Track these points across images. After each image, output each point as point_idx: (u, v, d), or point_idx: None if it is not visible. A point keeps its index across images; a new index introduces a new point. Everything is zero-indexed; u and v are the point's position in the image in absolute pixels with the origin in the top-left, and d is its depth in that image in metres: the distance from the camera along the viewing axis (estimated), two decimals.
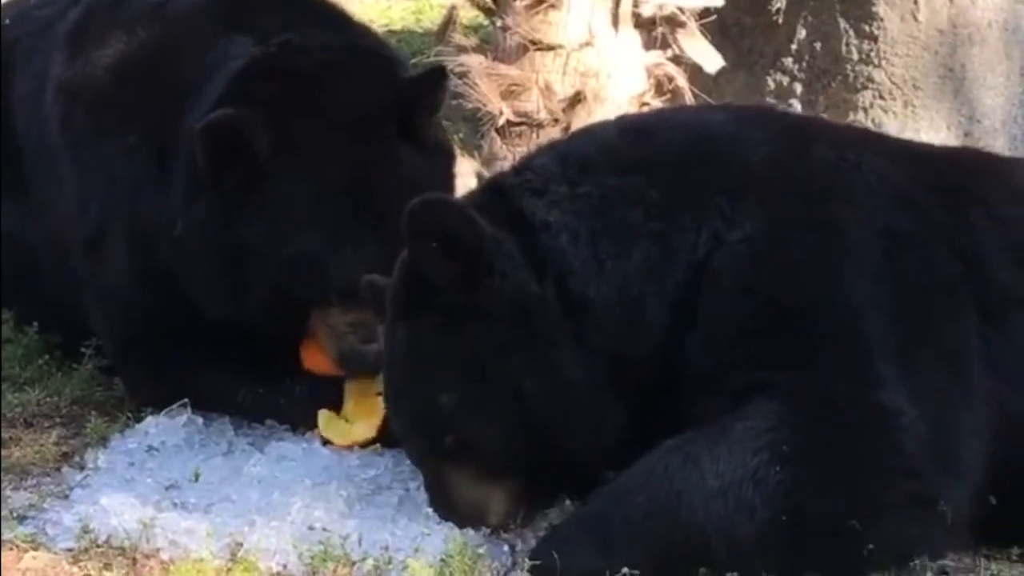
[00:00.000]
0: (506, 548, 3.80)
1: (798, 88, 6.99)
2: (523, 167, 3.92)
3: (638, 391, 3.72)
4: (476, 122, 6.79)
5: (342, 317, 4.28)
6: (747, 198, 3.72)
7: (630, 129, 3.98)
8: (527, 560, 3.63)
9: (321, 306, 4.28)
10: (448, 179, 4.47)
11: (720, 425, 3.54)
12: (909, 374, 3.62)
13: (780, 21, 6.95)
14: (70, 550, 3.80)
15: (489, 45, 6.87)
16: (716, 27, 6.85)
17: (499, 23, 6.72)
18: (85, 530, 3.83)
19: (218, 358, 4.44)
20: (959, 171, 4.07)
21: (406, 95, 4.34)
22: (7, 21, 5.20)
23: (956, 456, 3.64)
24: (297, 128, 4.25)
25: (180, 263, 4.37)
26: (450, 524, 3.83)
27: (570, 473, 3.79)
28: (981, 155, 4.66)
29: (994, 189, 3.98)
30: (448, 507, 3.83)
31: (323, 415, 4.34)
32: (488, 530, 3.83)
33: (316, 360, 4.40)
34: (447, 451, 3.79)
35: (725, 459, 3.49)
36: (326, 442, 4.30)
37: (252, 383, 4.42)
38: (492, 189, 3.92)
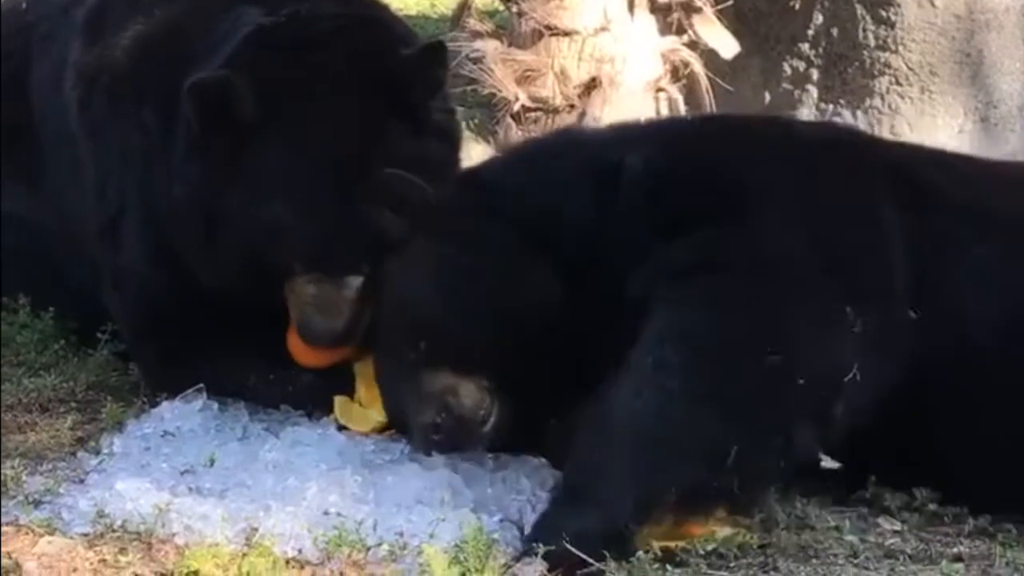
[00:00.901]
0: (520, 535, 3.80)
1: (814, 74, 6.98)
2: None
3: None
4: (492, 108, 6.80)
5: (308, 289, 4.25)
6: None
7: None
8: (534, 544, 3.64)
9: (288, 276, 4.25)
10: (444, 162, 4.36)
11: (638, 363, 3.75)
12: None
13: (797, 7, 6.94)
14: (85, 535, 3.79)
15: (504, 30, 6.87)
16: (732, 12, 6.84)
17: (514, 8, 6.72)
18: (100, 515, 3.83)
19: (232, 344, 4.44)
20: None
21: (402, 72, 4.27)
22: (24, 5, 5.20)
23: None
24: (285, 96, 4.22)
25: (175, 227, 4.37)
26: (465, 510, 3.84)
27: (534, 369, 3.95)
28: None
29: None
30: (421, 407, 3.97)
31: (339, 401, 4.34)
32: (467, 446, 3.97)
33: (303, 353, 4.39)
34: (423, 356, 3.97)
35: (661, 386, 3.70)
36: (342, 428, 4.30)
37: (263, 369, 4.42)
38: None
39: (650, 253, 3.93)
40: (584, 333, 3.95)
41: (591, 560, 3.55)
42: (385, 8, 4.70)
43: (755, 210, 3.98)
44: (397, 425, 4.21)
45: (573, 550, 3.55)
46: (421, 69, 4.28)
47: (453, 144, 4.43)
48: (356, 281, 4.24)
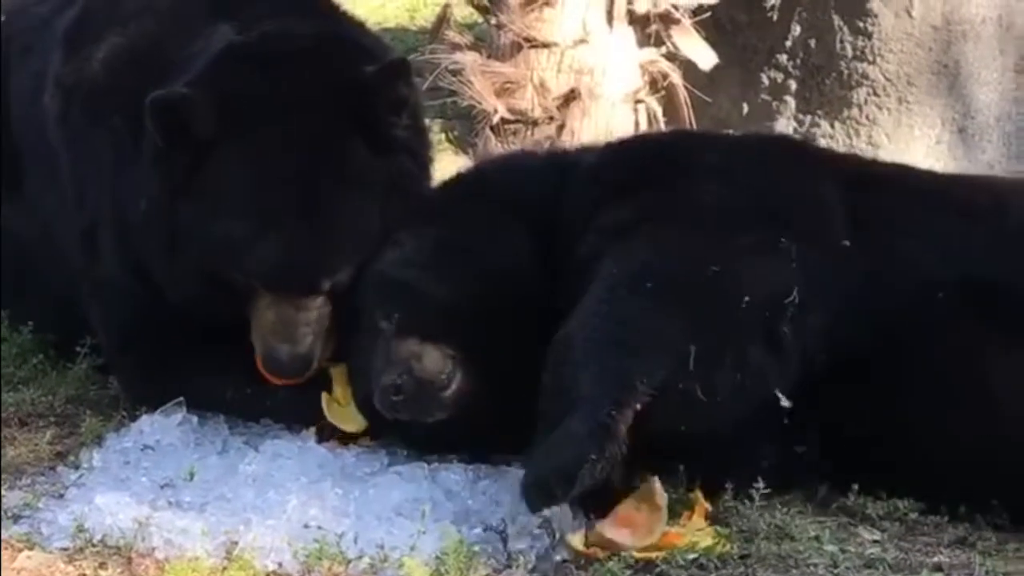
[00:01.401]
0: (501, 546, 3.80)
1: (792, 85, 7.00)
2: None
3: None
4: (471, 120, 6.80)
5: (268, 315, 4.25)
6: None
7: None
8: (525, 486, 3.72)
9: (248, 295, 4.25)
10: (408, 177, 4.37)
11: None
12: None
13: (774, 18, 6.96)
14: (65, 549, 3.79)
15: (483, 43, 6.87)
16: (710, 24, 6.86)
17: (493, 21, 6.73)
18: (80, 529, 3.83)
19: (211, 357, 4.43)
20: None
21: (364, 89, 4.27)
22: (3, 18, 5.19)
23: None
24: (245, 113, 4.22)
25: (140, 241, 4.38)
26: (446, 522, 3.84)
27: (499, 338, 4.09)
28: None
29: None
30: (385, 369, 4.06)
31: (324, 398, 4.33)
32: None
33: (270, 376, 4.38)
34: (395, 327, 4.11)
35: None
36: (325, 437, 4.29)
37: (242, 383, 4.41)
38: None
39: (597, 220, 4.18)
40: (544, 304, 4.08)
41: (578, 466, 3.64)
42: (359, 26, 4.70)
43: (696, 177, 4.25)
44: (363, 410, 4.25)
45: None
46: (384, 86, 4.28)
47: (418, 160, 4.43)
48: (316, 302, 4.25)
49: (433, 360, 4.09)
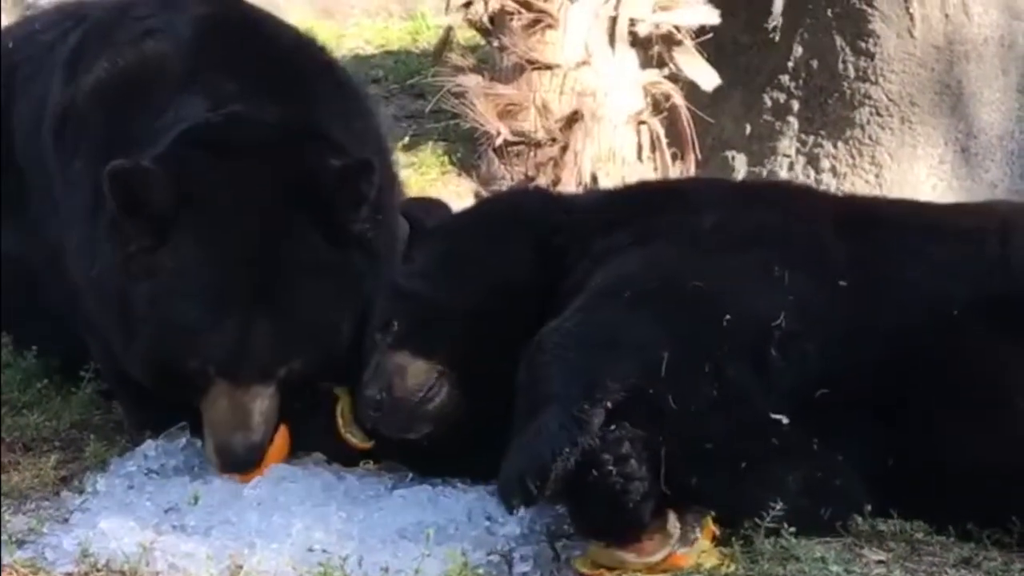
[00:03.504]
0: (507, 569, 3.80)
1: (795, 105, 7.01)
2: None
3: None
4: (474, 142, 6.82)
5: (220, 403, 4.22)
6: None
7: None
8: (499, 485, 3.79)
9: (201, 384, 4.23)
10: (362, 274, 4.35)
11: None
12: None
13: (777, 39, 6.97)
14: (70, 574, 3.78)
15: (486, 65, 6.90)
16: (712, 45, 6.87)
17: (496, 43, 6.76)
18: (85, 554, 3.82)
19: None
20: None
21: (325, 184, 4.27)
22: (10, 45, 5.21)
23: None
24: (204, 196, 4.22)
25: (94, 303, 4.40)
26: (451, 545, 3.83)
27: (491, 352, 4.14)
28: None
29: None
30: (368, 384, 4.13)
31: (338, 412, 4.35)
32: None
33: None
34: (391, 337, 4.18)
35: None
36: (349, 451, 4.30)
37: None
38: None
39: (592, 247, 4.26)
40: (538, 326, 4.09)
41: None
42: (338, 110, 4.66)
43: (693, 206, 4.32)
44: (363, 427, 4.31)
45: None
46: (344, 184, 4.27)
47: (372, 257, 4.40)
48: (268, 390, 4.24)
49: (417, 375, 4.12)
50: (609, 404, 3.78)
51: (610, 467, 3.73)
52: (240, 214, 4.23)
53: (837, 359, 3.99)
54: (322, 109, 4.59)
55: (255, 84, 4.50)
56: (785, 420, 3.93)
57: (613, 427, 3.79)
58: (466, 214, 4.74)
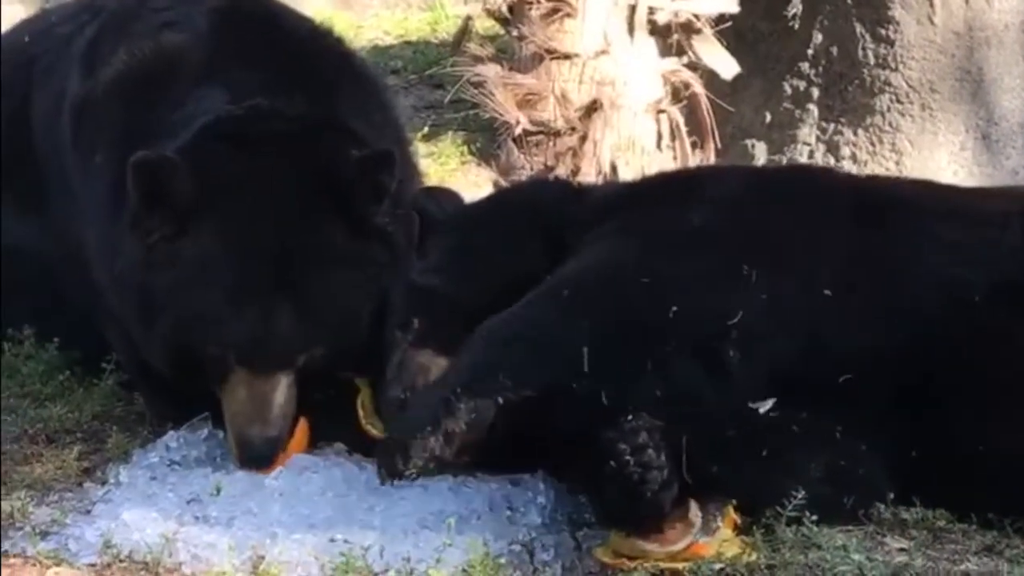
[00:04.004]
0: (528, 558, 3.80)
1: (815, 93, 6.99)
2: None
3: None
4: (493, 132, 6.82)
5: (239, 392, 4.23)
6: None
7: None
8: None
9: (220, 372, 4.24)
10: (383, 265, 4.36)
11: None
12: None
13: (796, 26, 6.95)
14: (93, 565, 3.80)
15: (505, 55, 6.89)
16: (732, 33, 6.86)
17: (515, 33, 6.75)
18: (107, 545, 3.83)
19: None
20: None
21: (346, 175, 4.28)
22: (27, 38, 5.22)
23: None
24: (226, 187, 4.24)
25: (117, 297, 4.41)
26: (472, 535, 3.83)
27: None
28: None
29: None
30: (392, 383, 4.16)
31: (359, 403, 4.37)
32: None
33: None
34: (413, 335, 4.21)
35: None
36: (370, 441, 4.28)
37: None
38: None
39: (588, 234, 4.30)
40: None
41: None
42: (360, 104, 4.68)
43: (689, 200, 4.30)
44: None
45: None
46: (365, 175, 4.28)
47: (393, 250, 4.41)
48: (288, 379, 4.24)
49: (439, 373, 4.12)
50: (502, 400, 3.88)
51: (627, 457, 3.73)
52: (261, 205, 4.24)
53: (843, 350, 3.98)
54: (341, 101, 4.59)
55: (274, 77, 4.51)
56: (763, 409, 3.93)
57: (631, 417, 3.80)
58: (479, 205, 4.73)
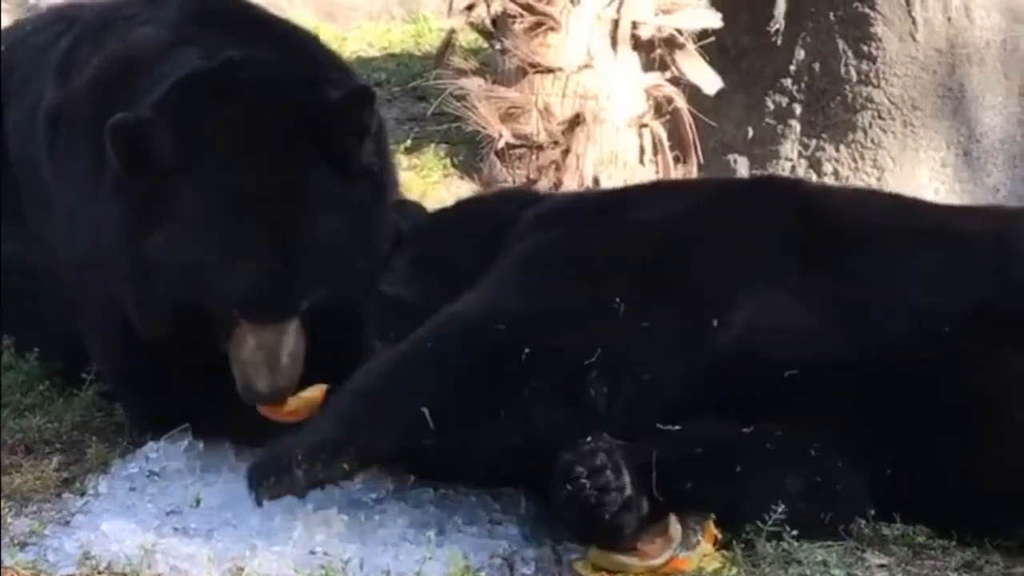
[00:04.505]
0: (508, 572, 3.80)
1: (797, 109, 7.01)
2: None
3: None
4: (476, 145, 6.82)
5: (248, 341, 4.22)
6: None
7: None
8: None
9: (223, 327, 4.24)
10: (370, 204, 4.36)
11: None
12: None
13: (779, 42, 6.97)
14: None
15: (488, 68, 6.90)
16: (715, 48, 6.87)
17: (498, 46, 6.75)
18: (86, 556, 3.82)
19: (215, 383, 4.43)
20: None
21: (327, 116, 4.26)
22: (2, 49, 5.21)
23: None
24: (206, 138, 4.21)
25: (110, 273, 4.37)
26: (452, 548, 3.83)
27: None
28: None
29: None
30: None
31: None
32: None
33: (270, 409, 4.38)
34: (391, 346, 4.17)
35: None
36: None
37: (245, 409, 4.39)
38: None
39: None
40: None
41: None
42: (325, 53, 4.72)
43: (606, 223, 4.26)
44: None
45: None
46: (347, 113, 4.27)
47: (380, 187, 4.42)
48: (292, 325, 4.23)
49: None
50: (355, 449, 3.89)
51: (583, 480, 3.72)
52: (246, 152, 4.21)
53: (811, 369, 3.96)
54: (315, 54, 4.63)
55: (246, 37, 4.51)
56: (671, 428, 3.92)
57: (589, 439, 3.79)
58: (443, 216, 4.72)
